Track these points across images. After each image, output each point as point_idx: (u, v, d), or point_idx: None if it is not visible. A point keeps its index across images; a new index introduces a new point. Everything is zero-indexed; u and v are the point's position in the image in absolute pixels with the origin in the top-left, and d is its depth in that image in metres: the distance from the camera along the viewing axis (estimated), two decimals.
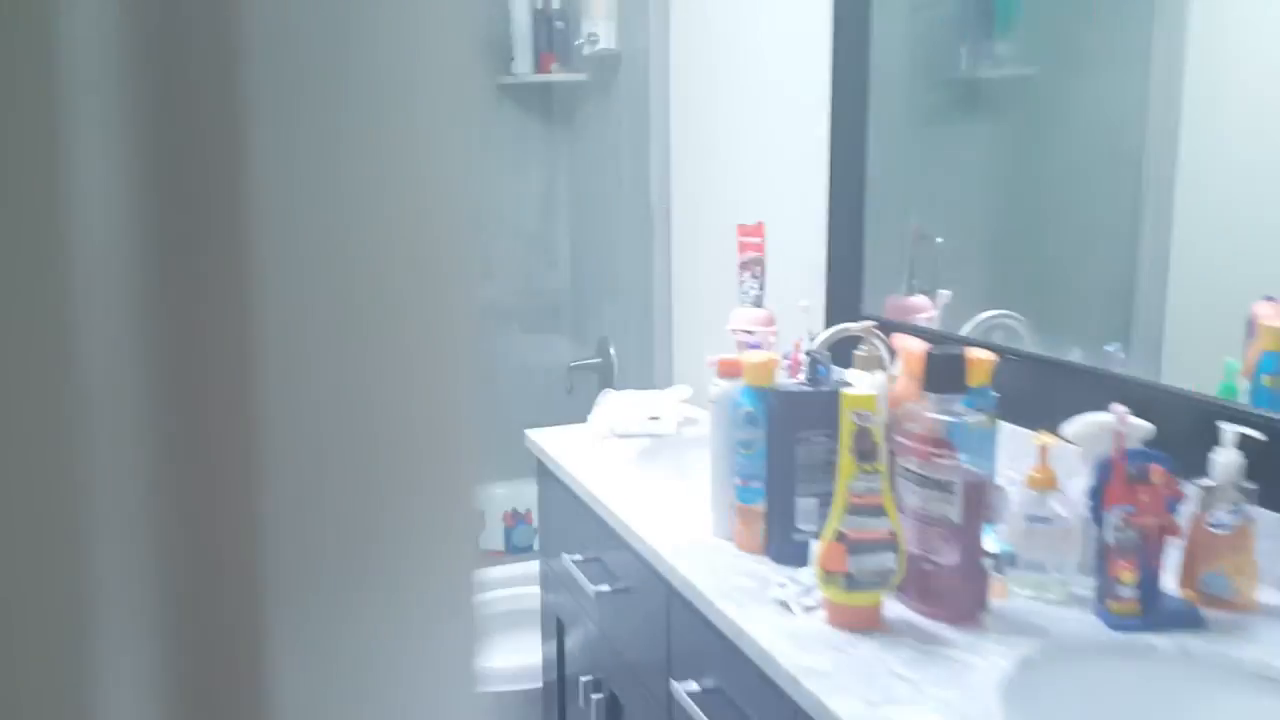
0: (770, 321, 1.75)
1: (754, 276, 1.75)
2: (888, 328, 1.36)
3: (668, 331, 2.50)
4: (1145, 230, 1.34)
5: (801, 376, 1.33)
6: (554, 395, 2.95)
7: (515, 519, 2.80)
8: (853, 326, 1.36)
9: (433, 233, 0.31)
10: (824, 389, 1.19)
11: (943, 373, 1.06)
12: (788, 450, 1.18)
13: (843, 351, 1.46)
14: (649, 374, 2.56)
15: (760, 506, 1.23)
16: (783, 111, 1.96)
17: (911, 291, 1.76)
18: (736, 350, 1.74)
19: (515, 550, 2.77)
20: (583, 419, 1.94)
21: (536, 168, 3.11)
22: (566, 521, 1.71)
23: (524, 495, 2.72)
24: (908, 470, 1.08)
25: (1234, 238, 1.21)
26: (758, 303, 1.76)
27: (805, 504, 1.19)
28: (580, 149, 3.02)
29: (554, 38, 2.81)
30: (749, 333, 1.71)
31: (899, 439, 1.10)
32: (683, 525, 1.37)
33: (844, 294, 1.79)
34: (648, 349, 2.56)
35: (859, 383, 1.21)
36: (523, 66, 2.84)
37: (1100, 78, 1.40)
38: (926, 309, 1.72)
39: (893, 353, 1.29)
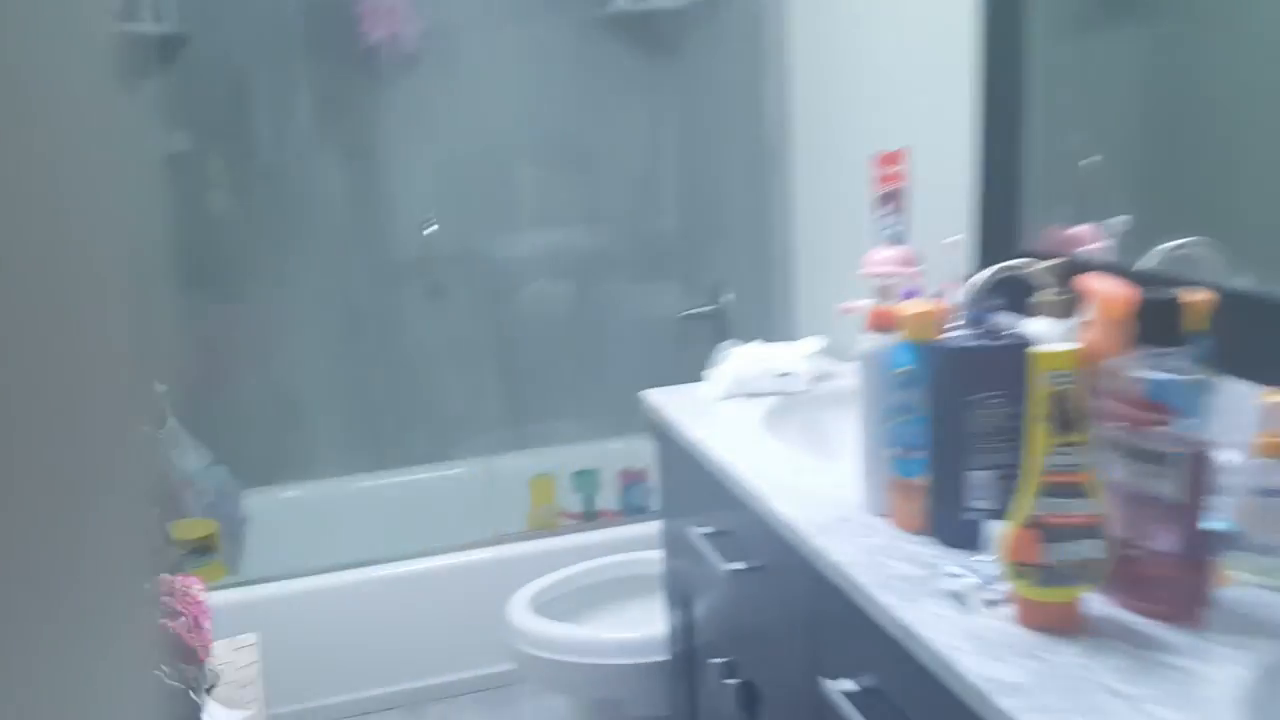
0: (912, 261, 1.55)
1: (894, 211, 1.56)
2: (1071, 267, 1.16)
3: (788, 276, 2.32)
4: None
5: (963, 327, 1.14)
6: (665, 346, 2.81)
7: (630, 478, 2.68)
8: (1023, 264, 1.16)
9: (58, 216, 0.23)
10: (1000, 343, 1.01)
11: (1158, 321, 0.86)
12: (957, 416, 1.01)
13: (1004, 294, 1.26)
14: (767, 322, 2.39)
15: (923, 480, 1.06)
16: (920, 18, 1.74)
17: (1076, 220, 1.55)
18: (874, 295, 1.56)
19: (632, 511, 2.65)
20: (696, 371, 1.80)
21: (641, 104, 2.93)
22: (690, 489, 1.57)
23: (638, 452, 2.60)
24: (1113, 439, 0.90)
25: None
26: (899, 240, 1.57)
27: (979, 477, 1.01)
28: (688, 80, 2.83)
29: None
30: (889, 275, 1.52)
31: (1100, 402, 0.91)
32: (826, 498, 1.21)
33: (998, 226, 1.58)
34: (766, 295, 2.38)
35: (1048, 335, 1.02)
36: None
37: None
38: (1095, 239, 1.50)
39: (1078, 296, 1.10)
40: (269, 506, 2.73)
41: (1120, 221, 1.47)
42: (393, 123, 2.86)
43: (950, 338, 1.03)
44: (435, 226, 2.66)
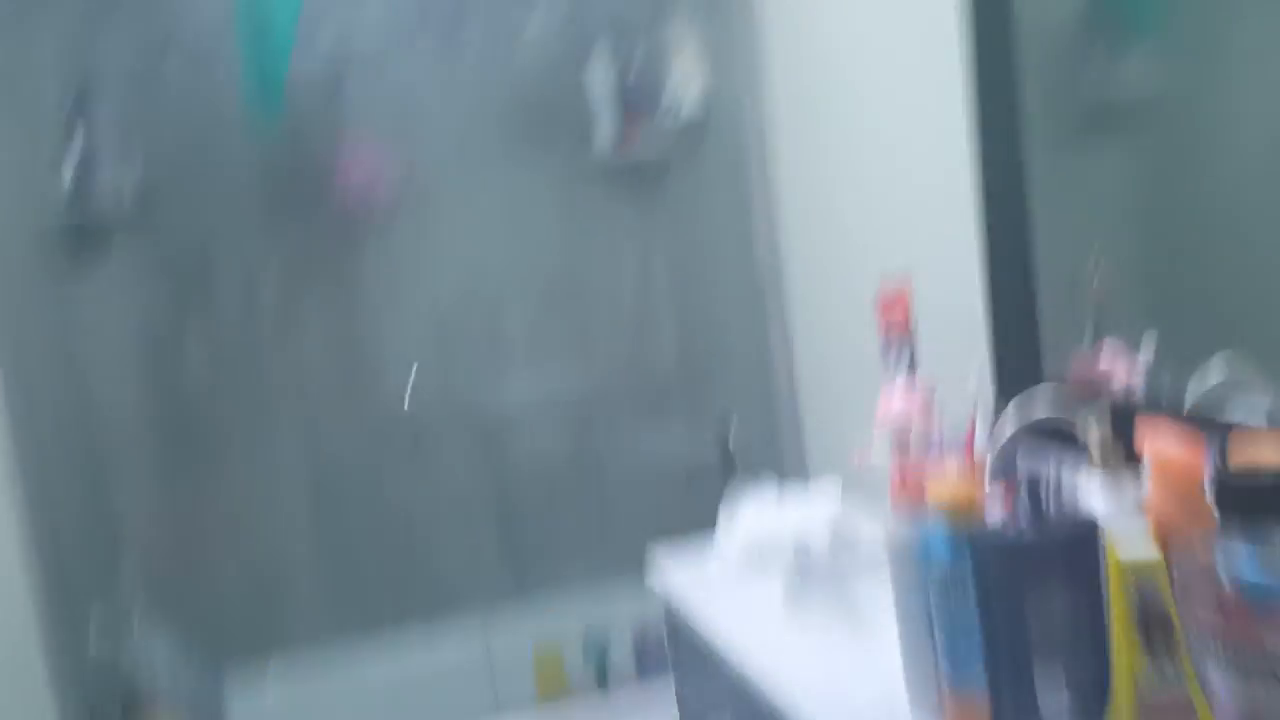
0: (929, 406, 1.41)
1: (903, 351, 1.42)
2: (1110, 408, 1.01)
3: (795, 409, 2.19)
4: None
5: (999, 488, 1.00)
6: (671, 487, 2.66)
7: (645, 645, 2.49)
8: (1056, 410, 1.02)
9: None
10: (1057, 532, 0.86)
11: (1255, 501, 0.72)
12: (1015, 617, 0.85)
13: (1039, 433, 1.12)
14: (777, 457, 2.25)
15: (981, 693, 0.89)
16: (909, 142, 1.65)
17: (1099, 338, 1.42)
18: (891, 445, 1.42)
19: (649, 675, 2.45)
20: (705, 511, 1.65)
21: (630, 247, 2.84)
22: (707, 685, 1.39)
23: (650, 601, 2.42)
24: (1211, 649, 0.74)
25: None
26: (910, 380, 1.43)
27: (1049, 687, 0.85)
28: (676, 221, 2.76)
29: (634, 109, 2.58)
30: (906, 425, 1.38)
31: (1186, 597, 0.75)
32: (866, 701, 1.04)
33: (1016, 352, 1.45)
34: (774, 430, 2.24)
35: (1105, 503, 0.86)
36: (603, 145, 2.61)
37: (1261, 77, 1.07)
38: (1123, 360, 1.37)
39: (1128, 444, 0.95)
40: (251, 697, 2.52)
41: (1148, 338, 1.34)
42: (373, 274, 2.76)
43: (996, 525, 0.88)
44: (412, 380, 2.54)
